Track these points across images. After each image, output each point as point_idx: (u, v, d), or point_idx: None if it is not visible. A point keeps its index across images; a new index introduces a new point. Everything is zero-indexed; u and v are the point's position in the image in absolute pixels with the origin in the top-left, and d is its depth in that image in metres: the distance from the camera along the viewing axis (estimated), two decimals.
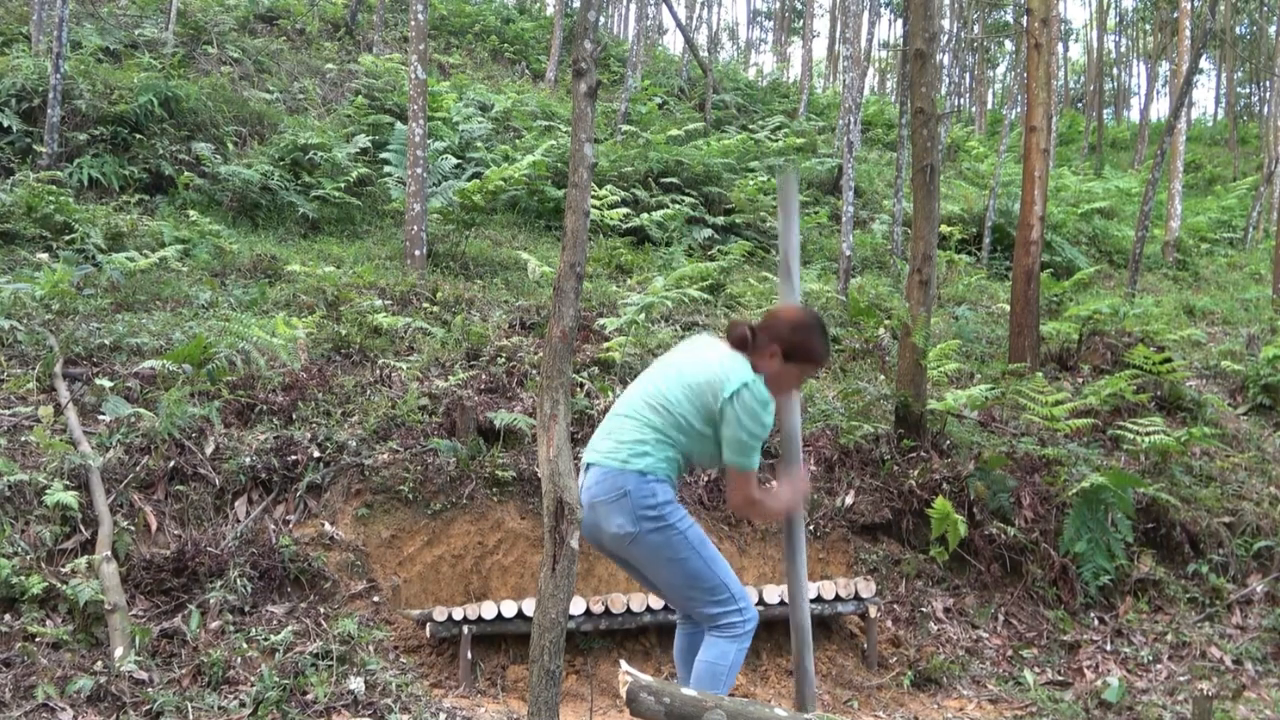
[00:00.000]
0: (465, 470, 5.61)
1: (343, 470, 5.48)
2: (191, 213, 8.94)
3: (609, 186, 11.51)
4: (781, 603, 5.25)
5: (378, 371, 6.50)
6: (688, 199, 12.11)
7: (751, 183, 12.60)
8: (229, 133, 10.64)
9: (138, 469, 5.13)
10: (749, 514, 3.31)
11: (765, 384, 3.19)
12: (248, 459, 5.33)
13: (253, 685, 4.29)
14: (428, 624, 4.96)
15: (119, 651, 4.24)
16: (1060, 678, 5.52)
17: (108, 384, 5.61)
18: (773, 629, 5.44)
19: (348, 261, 8.90)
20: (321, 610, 4.90)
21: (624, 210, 11.15)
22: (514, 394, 6.41)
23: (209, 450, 5.36)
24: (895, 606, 5.82)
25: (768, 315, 3.35)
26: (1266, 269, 15.00)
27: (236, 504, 5.23)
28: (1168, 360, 8.19)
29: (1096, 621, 5.99)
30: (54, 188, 8.39)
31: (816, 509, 6.13)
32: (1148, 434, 6.93)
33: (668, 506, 3.16)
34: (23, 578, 4.41)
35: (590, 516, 3.25)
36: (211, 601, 4.69)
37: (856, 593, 5.46)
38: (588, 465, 3.29)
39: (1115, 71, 37.83)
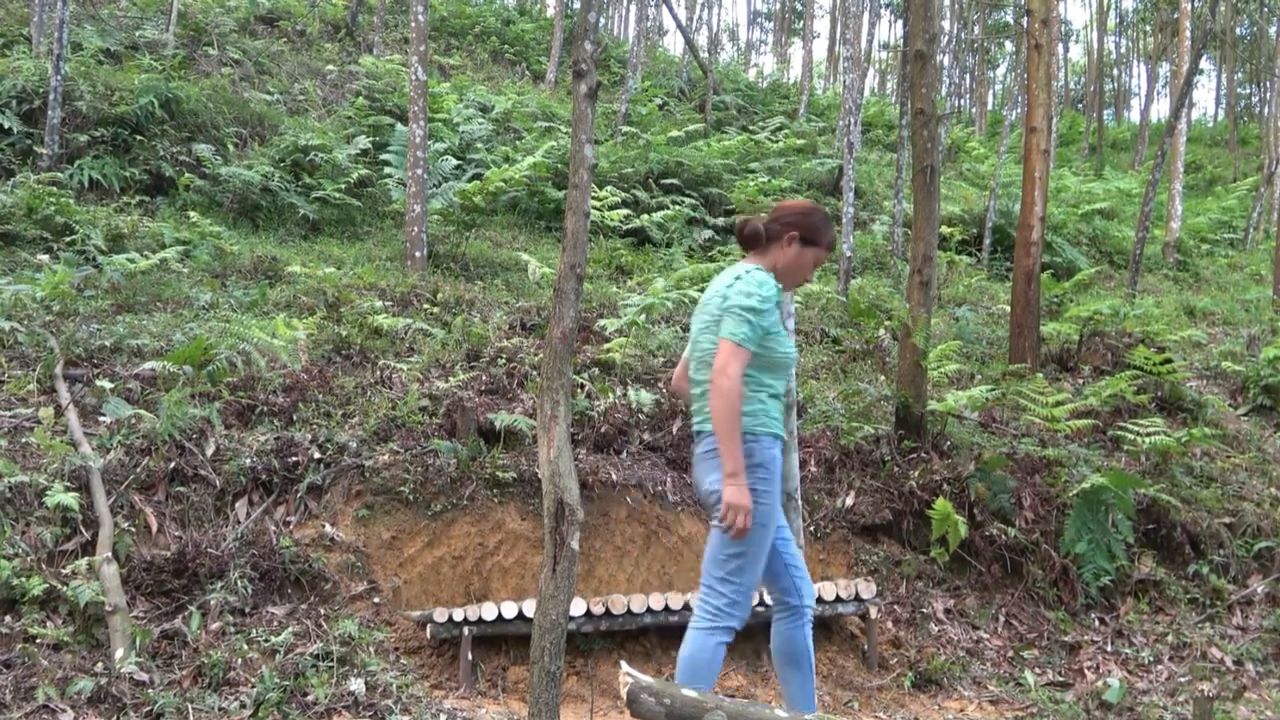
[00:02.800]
0: (466, 471, 5.61)
1: (343, 471, 5.48)
2: (192, 214, 8.95)
3: (609, 188, 11.51)
4: None
5: (378, 373, 6.50)
6: (688, 200, 12.12)
7: (752, 184, 12.60)
8: (229, 134, 10.65)
9: (138, 470, 5.13)
10: (715, 391, 3.10)
11: (782, 275, 3.40)
12: (248, 460, 5.33)
13: (253, 686, 4.30)
14: (428, 625, 4.96)
15: (119, 653, 4.24)
16: (1061, 678, 5.52)
17: (108, 385, 5.62)
18: None
19: (348, 263, 8.90)
20: (322, 611, 4.90)
21: (624, 211, 11.16)
22: (514, 395, 6.41)
23: (209, 451, 5.36)
24: (896, 607, 5.82)
25: (774, 209, 3.50)
26: (1267, 270, 15.00)
27: (237, 505, 5.23)
28: (1168, 361, 8.19)
29: (1097, 622, 5.99)
30: (54, 189, 8.40)
31: (817, 510, 6.13)
32: (1148, 435, 6.93)
33: (759, 470, 3.18)
34: (23, 579, 4.42)
35: (696, 476, 3.39)
36: (212, 603, 4.70)
37: (857, 594, 5.46)
38: (699, 431, 3.41)
39: (1115, 72, 37.84)
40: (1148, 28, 33.50)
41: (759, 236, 3.39)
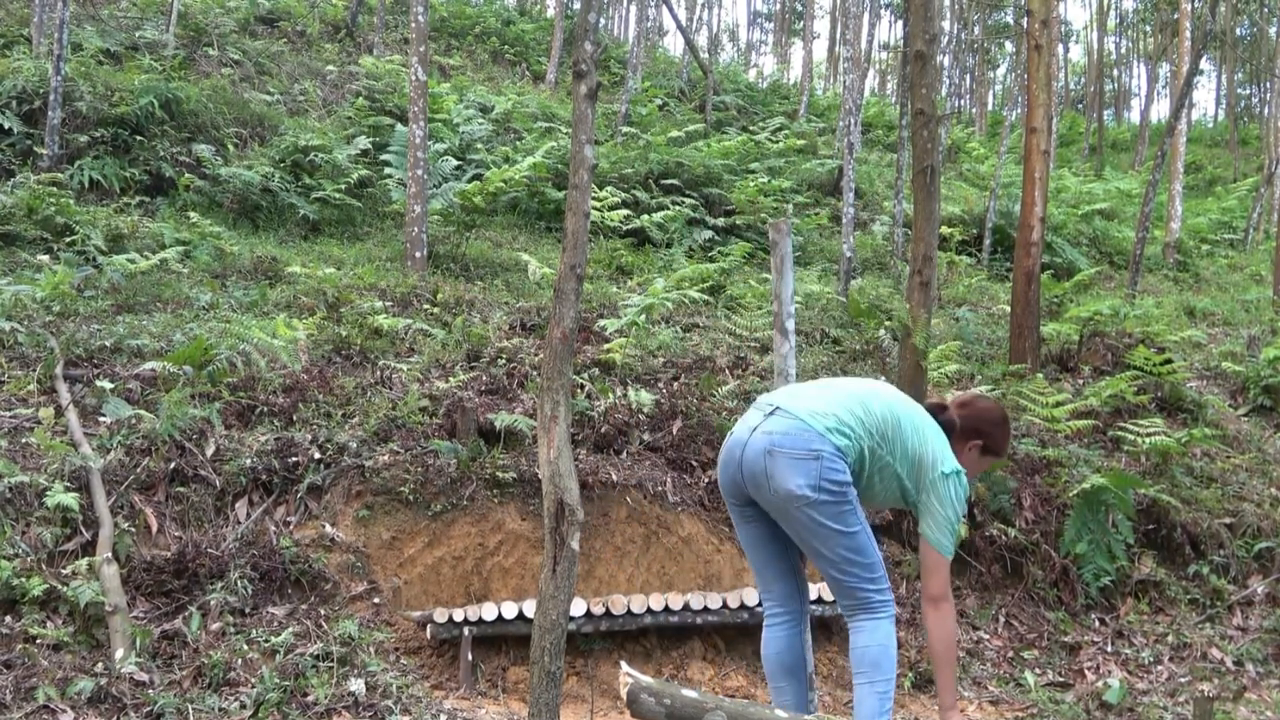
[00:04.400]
0: (466, 471, 5.61)
1: (343, 472, 5.48)
2: (192, 214, 8.95)
3: (609, 188, 11.50)
4: None
5: (378, 373, 6.50)
6: (688, 200, 12.11)
7: (752, 184, 12.60)
8: (229, 134, 10.65)
9: (138, 470, 5.13)
10: (935, 613, 3.10)
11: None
12: (248, 460, 5.33)
13: (253, 687, 4.30)
14: (428, 625, 4.96)
15: (120, 653, 4.24)
16: (1061, 679, 5.52)
17: (108, 386, 5.62)
18: None
19: (348, 263, 8.90)
20: (322, 612, 4.90)
21: (624, 212, 11.15)
22: (514, 395, 6.41)
23: (209, 452, 5.36)
24: (896, 608, 5.82)
25: (966, 406, 3.36)
26: (1267, 270, 15.00)
27: (237, 505, 5.23)
28: (1168, 361, 8.19)
29: (1097, 623, 5.99)
30: (55, 189, 8.39)
31: None
32: (1148, 435, 6.93)
33: (849, 489, 3.02)
34: (24, 579, 4.42)
35: (761, 462, 2.99)
36: (212, 603, 4.70)
37: None
38: (775, 408, 3.05)
39: (1115, 73, 37.84)
40: (1148, 28, 33.50)
41: (953, 429, 3.29)
